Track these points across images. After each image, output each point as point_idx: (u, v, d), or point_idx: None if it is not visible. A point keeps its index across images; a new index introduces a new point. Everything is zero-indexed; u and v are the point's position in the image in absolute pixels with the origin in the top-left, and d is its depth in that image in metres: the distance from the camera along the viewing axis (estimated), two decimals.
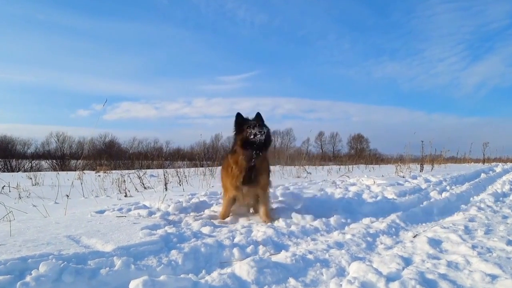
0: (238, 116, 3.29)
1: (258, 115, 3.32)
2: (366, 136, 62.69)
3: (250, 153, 3.13)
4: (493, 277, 1.97)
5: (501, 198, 5.24)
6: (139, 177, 7.40)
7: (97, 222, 2.99)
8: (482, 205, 4.43)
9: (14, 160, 36.72)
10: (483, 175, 8.97)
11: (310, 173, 10.78)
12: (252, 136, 3.08)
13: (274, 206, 4.03)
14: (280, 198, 4.43)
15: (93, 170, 15.26)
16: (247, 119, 3.29)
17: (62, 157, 38.96)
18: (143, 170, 11.02)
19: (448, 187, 6.06)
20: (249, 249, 2.45)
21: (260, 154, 3.16)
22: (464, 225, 3.19)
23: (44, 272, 1.77)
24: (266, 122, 3.31)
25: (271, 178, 3.66)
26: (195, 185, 7.45)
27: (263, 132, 3.07)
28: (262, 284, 1.94)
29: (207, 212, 3.82)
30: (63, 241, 2.33)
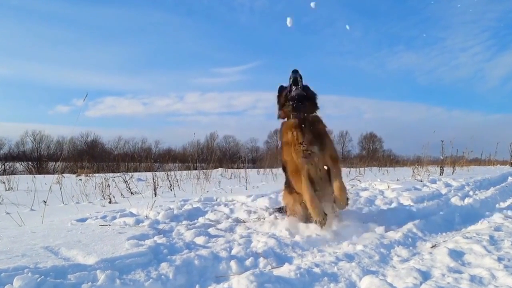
0: (280, 88, 3.51)
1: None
2: (380, 135, 62.76)
3: (289, 109, 3.30)
4: None
5: None
6: (125, 181, 7.41)
7: (78, 231, 2.99)
8: (509, 213, 4.42)
9: None
10: (510, 179, 8.98)
11: None
12: (288, 93, 3.28)
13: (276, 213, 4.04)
14: (282, 205, 4.43)
15: (74, 173, 15.28)
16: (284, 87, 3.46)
17: (39, 159, 38.94)
18: (130, 173, 11.04)
19: (471, 193, 6.06)
20: (248, 262, 2.45)
21: (304, 109, 3.25)
22: (489, 234, 3.19)
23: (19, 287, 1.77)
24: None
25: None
26: (187, 190, 7.46)
27: (297, 87, 3.24)
28: None
29: (201, 220, 3.83)
30: (40, 252, 2.33)
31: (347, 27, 5.13)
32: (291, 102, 3.27)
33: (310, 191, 3.13)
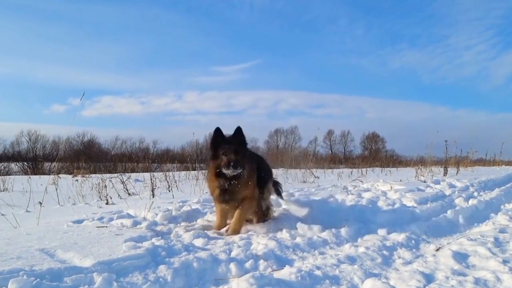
0: (216, 133, 3.36)
1: (237, 134, 3.37)
2: (382, 135, 62.92)
3: (223, 182, 3.29)
4: None
5: None
6: (123, 182, 7.41)
7: (74, 233, 2.99)
8: None
9: None
10: None
11: (318, 178, 10.80)
12: (224, 169, 3.20)
13: (276, 214, 4.04)
14: (283, 206, 4.43)
15: (70, 174, 15.30)
16: (224, 140, 3.35)
17: (35, 159, 39.01)
18: (127, 174, 11.03)
19: (475, 194, 6.06)
20: (248, 264, 2.45)
21: (235, 183, 3.29)
22: (493, 236, 3.20)
23: None
24: (247, 141, 3.46)
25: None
26: (186, 191, 7.46)
27: (236, 167, 3.16)
28: None
29: (200, 221, 3.83)
30: (35, 255, 2.33)
31: None
32: (227, 177, 3.25)
33: (220, 218, 3.56)
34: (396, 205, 4.64)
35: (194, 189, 7.40)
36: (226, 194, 3.34)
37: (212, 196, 3.53)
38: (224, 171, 3.21)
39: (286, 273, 2.25)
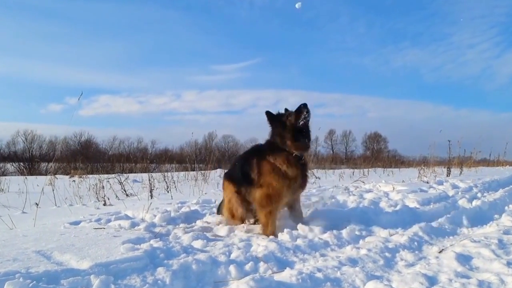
0: (269, 113, 3.44)
1: (286, 110, 3.51)
2: (384, 135, 63.06)
3: (303, 144, 3.29)
4: None
5: None
6: (120, 183, 7.41)
7: (71, 235, 2.99)
8: None
9: None
10: None
11: (319, 178, 10.79)
12: (301, 121, 3.23)
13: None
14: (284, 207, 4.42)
15: (67, 174, 15.30)
16: (279, 113, 3.47)
17: (31, 160, 39.01)
18: (125, 174, 11.04)
19: (479, 194, 6.06)
20: (248, 267, 2.45)
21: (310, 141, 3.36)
22: (498, 238, 3.20)
23: None
24: None
25: None
26: (185, 192, 7.46)
27: (309, 111, 3.24)
28: None
29: (199, 223, 3.83)
30: (31, 257, 2.33)
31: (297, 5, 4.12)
32: (303, 133, 3.26)
33: (276, 214, 3.41)
34: (399, 206, 4.64)
35: (193, 190, 7.41)
36: (306, 171, 3.42)
37: (285, 187, 3.26)
38: (301, 123, 3.22)
39: (286, 276, 2.25)
